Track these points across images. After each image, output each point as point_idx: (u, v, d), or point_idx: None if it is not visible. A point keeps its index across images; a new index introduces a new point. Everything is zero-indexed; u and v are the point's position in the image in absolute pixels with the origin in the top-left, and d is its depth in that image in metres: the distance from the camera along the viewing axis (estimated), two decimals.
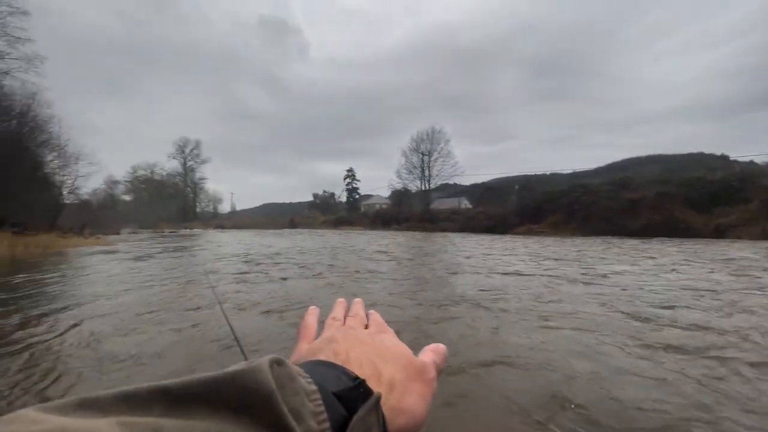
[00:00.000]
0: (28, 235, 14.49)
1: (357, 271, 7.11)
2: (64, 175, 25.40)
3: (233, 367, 0.21)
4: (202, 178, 75.34)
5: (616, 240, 17.72)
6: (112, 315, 3.93)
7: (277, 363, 0.23)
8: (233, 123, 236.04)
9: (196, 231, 42.99)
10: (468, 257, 9.85)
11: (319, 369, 0.28)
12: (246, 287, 5.52)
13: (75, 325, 3.53)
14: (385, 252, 11.61)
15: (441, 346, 0.37)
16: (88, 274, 7.20)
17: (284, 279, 6.32)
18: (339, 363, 0.29)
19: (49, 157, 23.82)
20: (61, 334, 3.25)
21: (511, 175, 55.44)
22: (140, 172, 69.91)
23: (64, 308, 4.26)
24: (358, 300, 0.47)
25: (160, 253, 11.99)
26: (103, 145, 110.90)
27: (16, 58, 14.74)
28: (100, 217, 33.64)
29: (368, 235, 26.51)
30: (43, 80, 16.70)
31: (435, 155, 43.52)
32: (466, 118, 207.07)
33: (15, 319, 3.82)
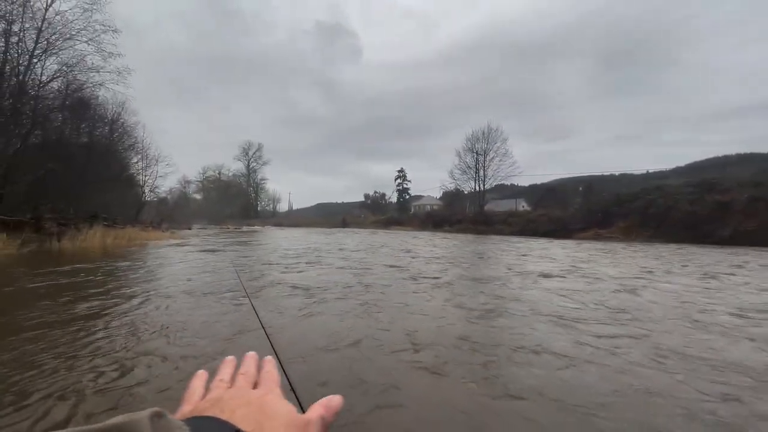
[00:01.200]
0: (116, 228, 16.21)
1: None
2: (146, 176, 28.30)
3: (112, 420, 0.21)
4: (263, 179, 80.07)
5: (714, 249, 15.74)
6: (182, 295, 4.46)
7: (158, 416, 0.23)
8: (291, 126, 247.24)
9: (256, 228, 45.57)
10: None
11: (203, 423, 0.28)
12: (295, 275, 5.69)
13: (162, 299, 4.22)
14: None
15: (335, 399, 0.39)
16: (167, 263, 7.82)
17: (325, 269, 6.44)
18: (224, 419, 0.31)
19: (134, 159, 26.69)
20: (157, 307, 3.72)
21: (574, 175, 51.98)
22: (209, 173, 75.98)
23: (151, 287, 4.88)
24: (251, 354, 0.46)
25: (226, 246, 12.82)
26: (175, 149, 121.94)
27: (109, 71, 16.49)
28: (175, 213, 36.93)
29: (412, 233, 26.29)
30: (130, 90, 18.55)
31: (491, 155, 41.96)
32: (524, 115, 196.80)
33: (117, 293, 4.50)
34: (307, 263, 8.08)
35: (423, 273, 6.76)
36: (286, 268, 7.27)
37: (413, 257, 9.85)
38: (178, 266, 7.41)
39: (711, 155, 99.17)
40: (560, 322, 3.62)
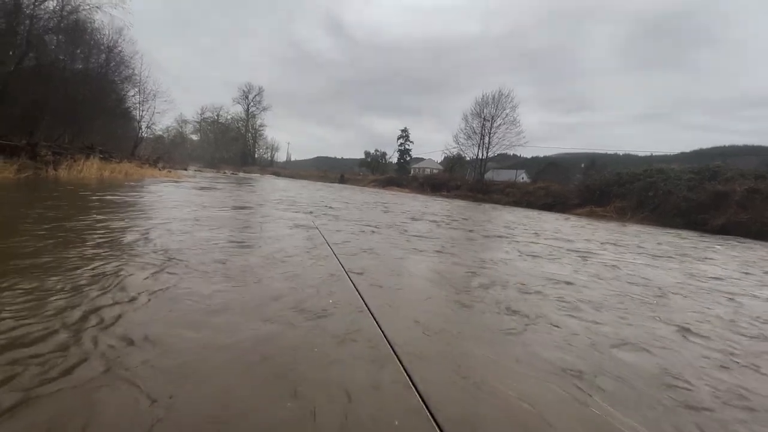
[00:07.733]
0: (112, 162, 15.97)
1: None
2: (143, 110, 27.36)
3: None
4: (262, 125, 78.11)
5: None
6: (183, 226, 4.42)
7: None
8: (295, 70, 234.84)
9: (254, 175, 45.22)
10: None
11: None
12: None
13: (165, 225, 4.21)
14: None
15: None
16: (170, 198, 7.81)
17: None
18: None
19: (131, 92, 25.64)
20: (168, 233, 3.80)
21: (578, 150, 51.40)
22: (207, 114, 73.84)
23: (155, 217, 4.87)
24: None
25: (228, 187, 12.76)
26: (174, 84, 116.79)
27: None
28: (172, 152, 36.33)
29: (410, 195, 26.32)
30: (129, 17, 17.39)
31: (498, 121, 40.91)
32: (545, 82, 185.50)
33: (125, 220, 4.57)
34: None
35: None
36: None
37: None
38: (181, 203, 7.42)
39: (718, 144, 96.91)
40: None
